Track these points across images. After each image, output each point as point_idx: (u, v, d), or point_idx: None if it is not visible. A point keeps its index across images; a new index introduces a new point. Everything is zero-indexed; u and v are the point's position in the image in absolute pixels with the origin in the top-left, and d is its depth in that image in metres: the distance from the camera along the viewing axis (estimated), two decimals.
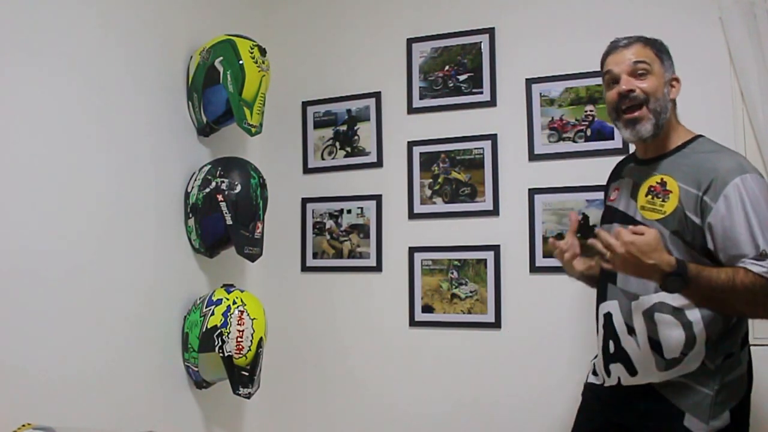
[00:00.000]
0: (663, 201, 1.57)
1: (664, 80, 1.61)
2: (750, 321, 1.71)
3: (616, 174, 1.84)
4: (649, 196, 1.60)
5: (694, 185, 1.52)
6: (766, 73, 2.00)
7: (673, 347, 1.53)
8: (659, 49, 1.64)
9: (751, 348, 1.61)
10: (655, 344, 1.56)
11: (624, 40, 1.65)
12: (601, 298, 1.73)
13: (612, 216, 1.74)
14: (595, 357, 1.79)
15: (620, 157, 2.18)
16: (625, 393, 1.63)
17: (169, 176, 2.17)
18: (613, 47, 1.67)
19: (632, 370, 1.60)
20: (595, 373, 1.78)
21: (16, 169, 1.62)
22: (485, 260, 2.37)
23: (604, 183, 2.22)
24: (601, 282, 1.74)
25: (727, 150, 1.57)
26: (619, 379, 1.64)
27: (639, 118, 1.60)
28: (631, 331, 1.61)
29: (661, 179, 1.59)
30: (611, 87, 1.65)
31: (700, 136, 1.63)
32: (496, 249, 2.35)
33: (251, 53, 2.13)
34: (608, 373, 1.68)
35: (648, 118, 1.59)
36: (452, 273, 2.41)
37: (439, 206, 2.46)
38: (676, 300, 1.53)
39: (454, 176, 2.44)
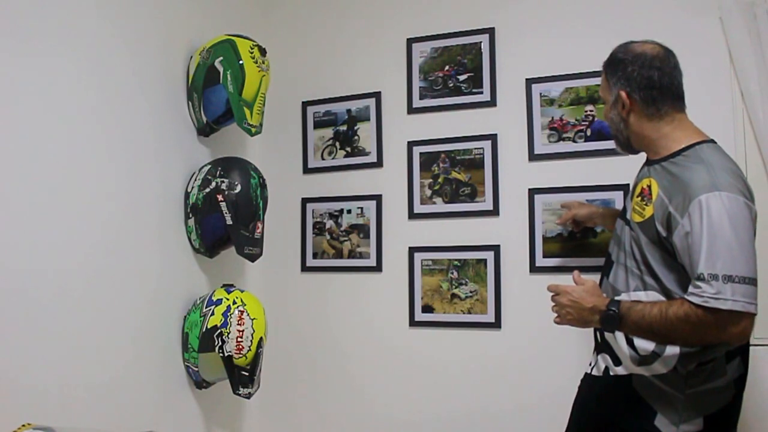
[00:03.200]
0: (646, 205, 1.57)
1: (610, 104, 1.68)
2: None
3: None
4: (638, 198, 1.61)
5: (668, 196, 1.51)
6: (766, 73, 2.00)
7: (643, 345, 1.54)
8: (607, 69, 1.68)
9: (752, 348, 1.60)
10: (629, 340, 1.58)
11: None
12: None
13: (623, 213, 1.75)
14: None
15: (620, 157, 2.18)
16: (605, 383, 1.65)
17: (168, 176, 2.17)
18: None
19: (616, 361, 1.62)
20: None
21: (15, 168, 1.61)
22: (485, 260, 2.37)
23: (604, 183, 2.23)
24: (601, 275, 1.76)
25: (710, 164, 1.48)
26: (606, 368, 1.65)
27: None
28: None
29: (650, 183, 1.58)
30: None
31: (703, 142, 1.56)
32: (496, 249, 2.35)
33: (251, 53, 2.13)
34: (597, 362, 1.70)
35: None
36: (452, 273, 2.41)
37: (439, 206, 2.46)
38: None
39: (454, 176, 2.44)
